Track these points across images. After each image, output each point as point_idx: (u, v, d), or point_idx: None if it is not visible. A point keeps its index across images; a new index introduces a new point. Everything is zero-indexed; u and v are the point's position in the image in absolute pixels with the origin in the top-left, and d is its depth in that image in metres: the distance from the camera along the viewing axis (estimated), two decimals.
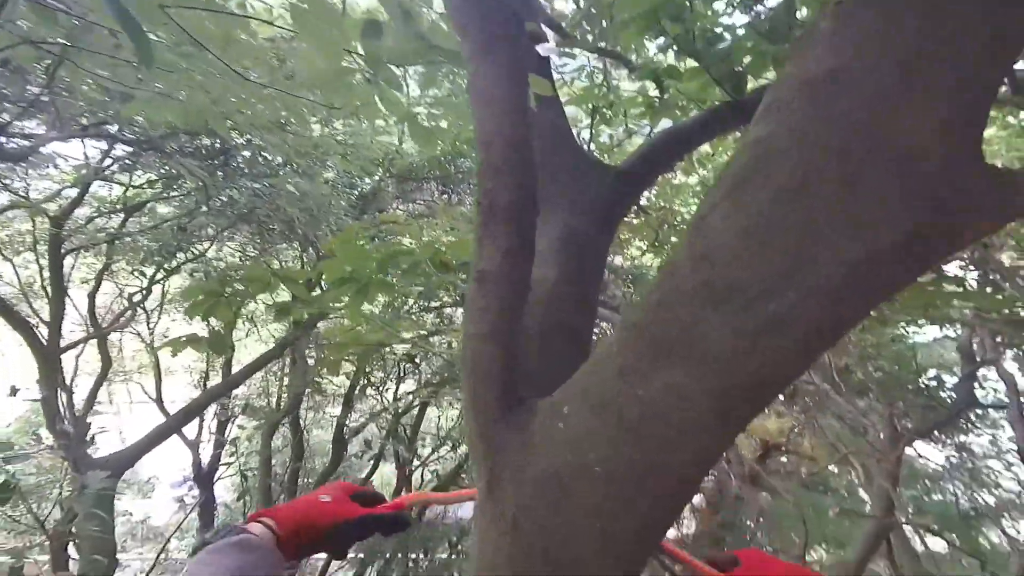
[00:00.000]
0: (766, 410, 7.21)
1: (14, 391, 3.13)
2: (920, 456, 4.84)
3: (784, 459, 7.58)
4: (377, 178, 4.59)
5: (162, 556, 6.64)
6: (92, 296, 5.37)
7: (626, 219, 3.14)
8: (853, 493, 5.91)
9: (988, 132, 3.00)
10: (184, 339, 1.86)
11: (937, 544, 5.09)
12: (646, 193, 3.59)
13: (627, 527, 0.63)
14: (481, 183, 0.79)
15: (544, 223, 1.16)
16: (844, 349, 3.79)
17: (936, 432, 4.58)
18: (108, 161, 3.96)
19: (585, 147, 2.18)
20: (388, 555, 5.49)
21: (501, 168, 0.77)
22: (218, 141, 3.25)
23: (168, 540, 6.83)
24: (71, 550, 4.04)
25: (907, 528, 3.95)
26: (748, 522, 7.40)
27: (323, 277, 1.64)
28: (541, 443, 0.69)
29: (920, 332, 4.70)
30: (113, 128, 3.27)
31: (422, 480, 6.97)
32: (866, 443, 3.31)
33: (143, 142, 3.19)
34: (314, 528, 0.69)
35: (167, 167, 3.74)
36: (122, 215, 4.68)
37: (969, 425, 4.49)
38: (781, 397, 6.80)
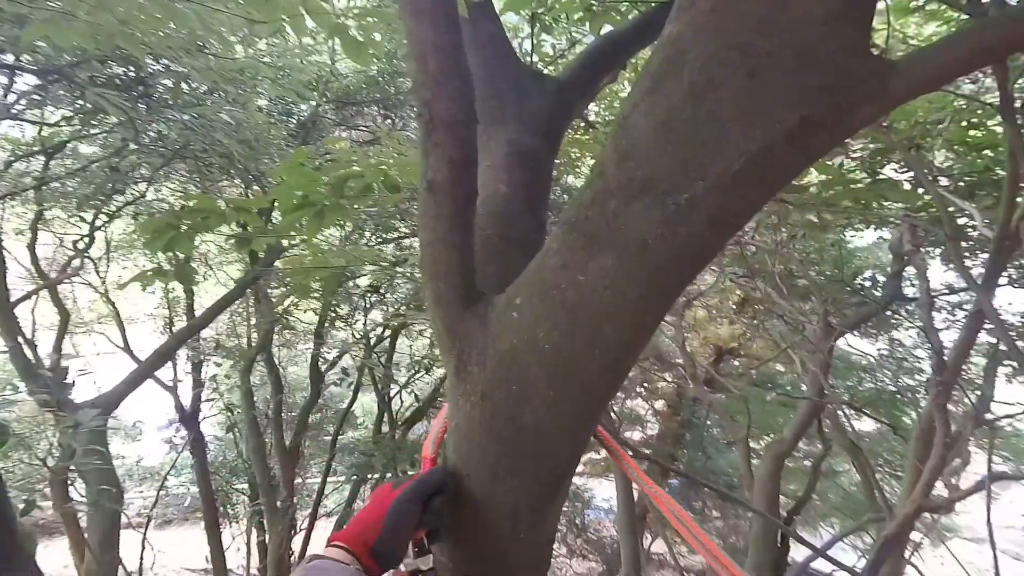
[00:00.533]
0: (718, 318, 7.65)
1: None
2: (855, 351, 5.29)
3: (736, 362, 8.13)
4: (314, 103, 4.40)
5: (162, 492, 6.91)
6: (32, 247, 5.12)
7: (576, 135, 3.16)
8: (796, 387, 6.44)
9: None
10: (150, 272, 1.87)
11: (868, 425, 5.68)
12: (595, 107, 3.59)
13: (573, 391, 0.74)
14: (419, 95, 0.80)
15: (490, 140, 1.19)
16: (788, 256, 4.01)
17: (866, 326, 5.01)
18: (12, 98, 3.60)
19: (528, 59, 2.16)
20: (379, 474, 5.79)
21: (438, 78, 0.78)
22: (133, 69, 3.02)
23: (165, 477, 7.04)
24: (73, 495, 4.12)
25: (844, 414, 4.36)
26: (706, 421, 8.03)
27: (275, 206, 1.63)
28: (498, 330, 0.79)
29: (859, 236, 4.97)
30: (9, 59, 3.01)
31: (401, 404, 7.22)
32: (805, 339, 3.62)
33: (48, 72, 2.93)
34: (374, 525, 0.71)
35: (82, 102, 3.45)
36: (43, 158, 4.36)
37: (898, 319, 4.89)
38: (733, 306, 7.20)
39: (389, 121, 4.86)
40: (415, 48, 0.80)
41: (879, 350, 5.48)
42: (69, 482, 3.92)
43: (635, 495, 4.09)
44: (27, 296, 4.71)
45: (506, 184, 1.15)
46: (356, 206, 1.55)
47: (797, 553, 4.96)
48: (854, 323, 3.41)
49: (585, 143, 2.68)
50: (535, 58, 2.53)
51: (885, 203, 3.42)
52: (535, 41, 2.26)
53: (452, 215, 0.80)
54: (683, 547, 8.75)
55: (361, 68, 4.37)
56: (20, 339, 4.16)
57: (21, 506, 2.34)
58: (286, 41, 4.08)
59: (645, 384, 8.95)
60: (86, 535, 3.96)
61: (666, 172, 0.65)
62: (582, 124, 3.06)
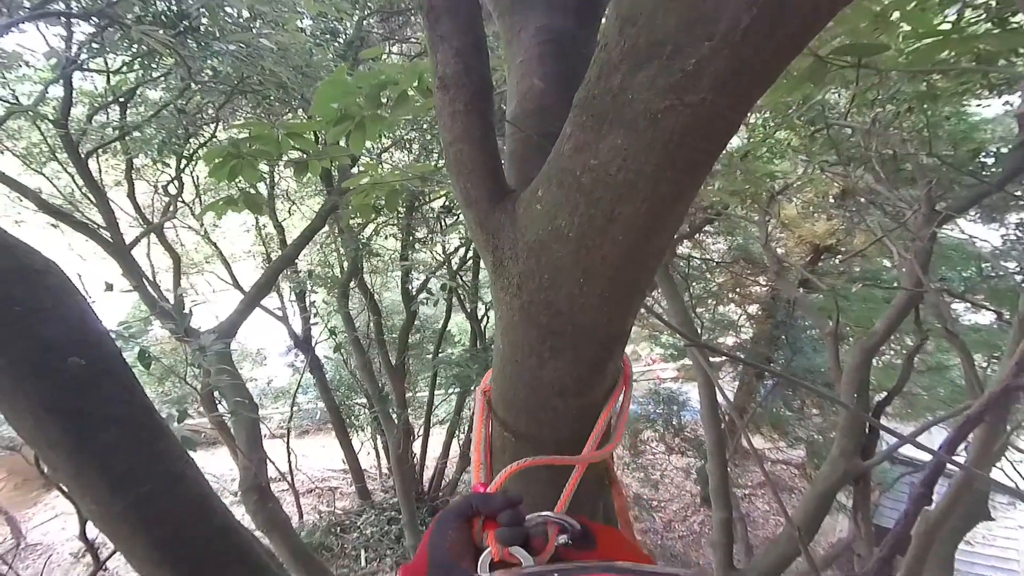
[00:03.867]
0: (814, 213, 7.09)
1: (109, 287, 3.50)
2: (974, 238, 4.74)
3: (837, 260, 7.61)
4: (357, 18, 4.26)
5: (294, 408, 7.94)
6: (131, 196, 5.62)
7: None
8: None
9: None
10: (221, 200, 2.02)
11: (986, 318, 5.19)
12: None
13: (600, 275, 0.76)
14: None
15: (521, 30, 1.11)
16: (891, 137, 3.59)
17: (987, 210, 4.44)
18: (75, 49, 3.78)
19: None
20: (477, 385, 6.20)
21: None
22: (173, 2, 3.02)
23: (295, 395, 8.04)
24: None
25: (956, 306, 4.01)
26: (803, 321, 7.72)
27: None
28: (525, 221, 0.80)
29: (985, 105, 4.31)
30: (60, 6, 3.09)
31: (488, 320, 7.55)
32: (904, 228, 3.28)
33: (96, 14, 2.97)
34: (420, 554, 0.64)
35: (135, 44, 3.56)
36: (117, 107, 4.63)
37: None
38: (832, 199, 6.64)
39: None
40: None
41: (1003, 236, 4.87)
42: (217, 400, 4.49)
43: (717, 393, 4.10)
44: (137, 240, 5.18)
45: (539, 77, 1.10)
46: (397, 118, 1.56)
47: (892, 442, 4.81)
48: (963, 206, 3.02)
49: None
50: None
51: (1017, 60, 2.96)
52: None
53: (468, 111, 0.80)
54: (781, 442, 8.83)
55: None
56: (143, 280, 4.68)
57: (176, 414, 2.77)
58: None
59: (738, 289, 8.68)
60: (236, 440, 4.61)
61: (670, 34, 0.60)
62: None
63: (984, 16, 2.80)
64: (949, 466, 1.46)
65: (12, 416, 1.07)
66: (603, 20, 1.29)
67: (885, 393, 4.02)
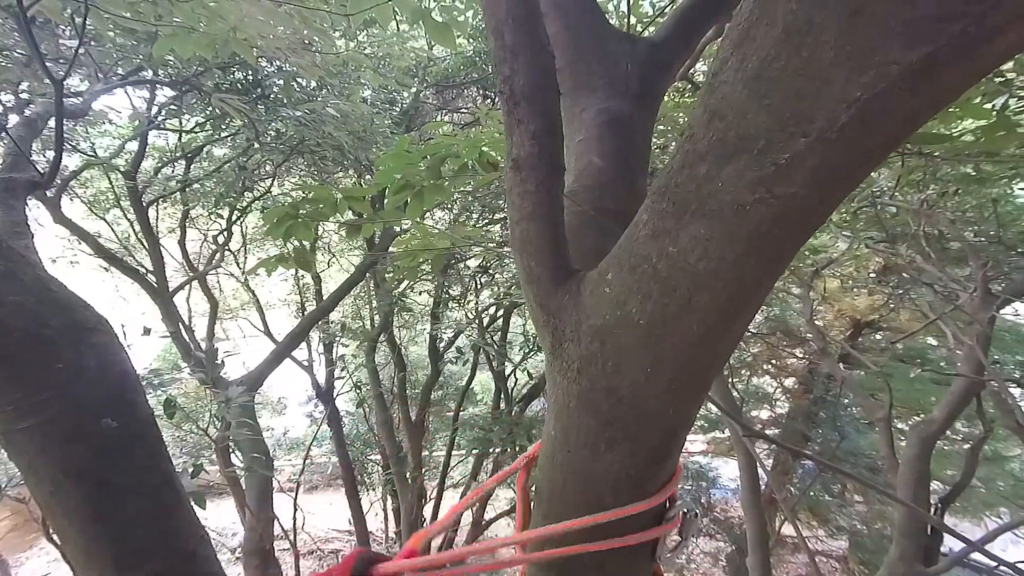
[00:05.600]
0: (855, 288, 6.92)
1: (147, 331, 3.58)
2: None
3: (878, 336, 7.35)
4: (415, 90, 4.50)
5: (308, 460, 7.80)
6: (182, 243, 5.84)
7: (684, 98, 2.97)
8: (950, 363, 5.71)
9: None
10: (274, 258, 2.08)
11: None
12: (702, 66, 3.35)
13: (669, 363, 0.72)
14: (499, 71, 0.80)
15: (582, 111, 1.15)
16: (937, 216, 3.53)
17: None
18: (155, 110, 4.12)
19: (624, 21, 2.04)
20: (499, 448, 6.06)
21: (516, 51, 0.78)
22: (250, 73, 3.28)
23: (309, 447, 7.94)
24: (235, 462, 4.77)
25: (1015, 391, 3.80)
26: (841, 399, 7.39)
27: (385, 194, 1.73)
28: (592, 304, 0.78)
29: None
30: (148, 74, 3.36)
31: (516, 381, 7.43)
32: (959, 309, 3.16)
33: (181, 82, 3.26)
34: None
35: (210, 108, 3.84)
36: (183, 162, 4.93)
37: None
38: (872, 275, 6.49)
39: (488, 101, 4.88)
40: (491, 22, 0.79)
41: None
42: (231, 450, 4.48)
43: (760, 474, 3.89)
44: (181, 287, 5.40)
45: (598, 155, 1.12)
46: (455, 188, 1.59)
47: (955, 542, 4.45)
48: (1022, 289, 2.92)
49: (692, 106, 2.52)
50: (632, 21, 2.41)
51: None
52: (632, 0, 2.15)
53: (538, 191, 0.80)
54: (820, 530, 8.22)
55: (458, 50, 4.44)
56: (180, 325, 4.81)
57: (190, 469, 2.74)
58: (384, 31, 4.19)
59: (773, 361, 8.42)
60: (246, 496, 4.55)
61: (762, 129, 0.59)
62: (689, 86, 2.88)
63: None
64: None
65: (31, 479, 1.04)
66: (660, 101, 1.32)
67: (938, 484, 3.76)
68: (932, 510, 3.33)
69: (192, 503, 1.24)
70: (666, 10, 2.71)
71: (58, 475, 1.03)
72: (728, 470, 9.26)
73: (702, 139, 0.64)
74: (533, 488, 0.96)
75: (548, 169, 0.80)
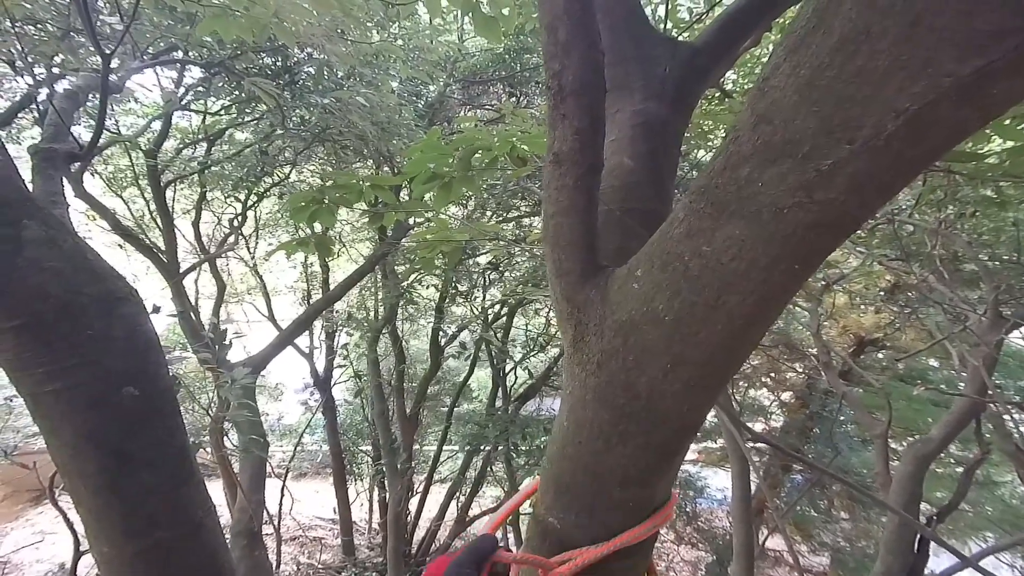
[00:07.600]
0: (862, 305, 6.90)
1: (156, 309, 3.58)
2: None
3: (880, 354, 7.34)
4: (442, 83, 4.52)
5: (298, 448, 7.79)
6: (196, 224, 5.90)
7: (711, 106, 2.95)
8: (952, 384, 5.69)
9: None
10: (294, 242, 2.09)
11: None
12: (731, 75, 3.34)
13: (690, 362, 0.73)
14: (549, 66, 0.80)
15: (616, 109, 1.16)
16: (954, 236, 3.53)
17: None
18: (182, 90, 4.15)
19: (661, 26, 2.04)
20: (491, 446, 6.06)
21: (568, 47, 0.78)
22: (281, 59, 3.30)
23: (301, 434, 7.95)
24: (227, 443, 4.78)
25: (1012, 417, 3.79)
26: (838, 415, 7.38)
27: (404, 186, 1.75)
28: (618, 300, 0.79)
29: None
30: (179, 54, 3.38)
31: (515, 380, 7.44)
32: (967, 331, 3.15)
33: (212, 65, 3.27)
34: None
35: (238, 91, 3.86)
36: (205, 144, 4.96)
37: None
38: (880, 292, 6.47)
39: (514, 98, 4.90)
40: (545, 18, 0.79)
41: None
42: (225, 432, 4.50)
43: (752, 487, 3.89)
44: (192, 268, 5.43)
45: (630, 156, 1.12)
46: (483, 181, 1.60)
47: (937, 564, 4.44)
48: None
49: (720, 114, 2.51)
50: (669, 25, 2.40)
51: None
52: (669, 5, 2.15)
53: (576, 186, 0.80)
54: (803, 545, 8.21)
55: (489, 46, 4.45)
56: (188, 306, 4.84)
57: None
58: (417, 24, 4.22)
59: (772, 373, 8.41)
60: (238, 478, 4.56)
61: (808, 135, 0.60)
62: (717, 94, 2.87)
63: None
64: None
65: (53, 442, 1.06)
66: (694, 107, 1.33)
67: (926, 506, 3.75)
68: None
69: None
70: (704, 16, 2.71)
71: (79, 440, 1.04)
72: (717, 480, 9.25)
73: (747, 142, 0.65)
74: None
75: (588, 166, 0.81)
